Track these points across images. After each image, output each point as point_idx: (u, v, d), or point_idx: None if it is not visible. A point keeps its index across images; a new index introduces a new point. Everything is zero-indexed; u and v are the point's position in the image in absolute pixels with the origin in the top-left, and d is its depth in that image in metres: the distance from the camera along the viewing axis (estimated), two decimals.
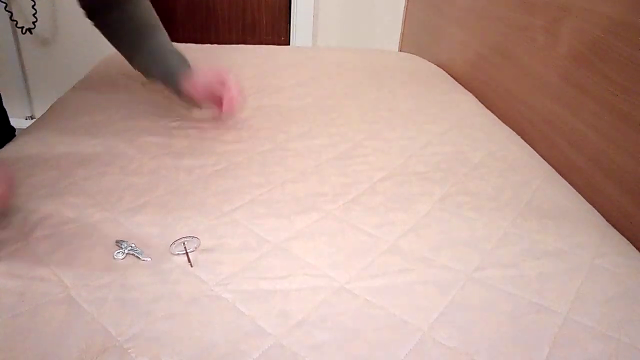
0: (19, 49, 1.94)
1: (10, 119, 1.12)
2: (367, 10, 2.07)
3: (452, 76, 1.43)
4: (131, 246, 0.58)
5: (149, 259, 0.57)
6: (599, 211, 0.75)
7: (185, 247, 0.59)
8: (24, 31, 1.17)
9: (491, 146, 0.92)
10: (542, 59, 0.97)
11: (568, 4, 0.89)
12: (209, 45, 1.52)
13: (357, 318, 0.51)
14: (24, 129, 0.89)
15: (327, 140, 0.91)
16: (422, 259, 0.60)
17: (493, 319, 0.51)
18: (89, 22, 0.94)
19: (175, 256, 0.58)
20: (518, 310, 0.53)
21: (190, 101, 0.93)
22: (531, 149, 0.95)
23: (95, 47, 1.81)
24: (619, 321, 0.52)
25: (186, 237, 0.61)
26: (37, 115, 2.14)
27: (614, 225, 0.72)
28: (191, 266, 0.56)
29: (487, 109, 1.16)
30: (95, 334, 0.46)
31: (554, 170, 0.87)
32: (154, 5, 0.95)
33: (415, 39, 1.89)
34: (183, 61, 0.92)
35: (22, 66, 2.00)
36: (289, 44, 2.13)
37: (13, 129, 1.12)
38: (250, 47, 1.53)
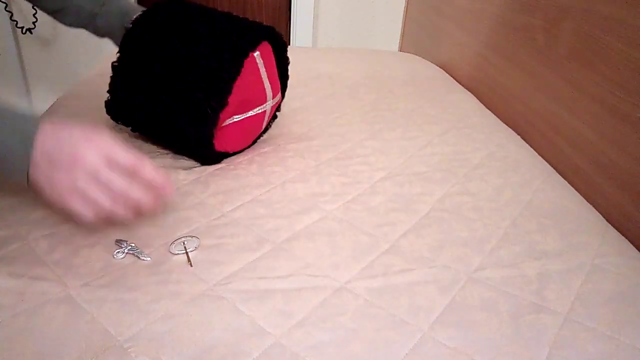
0: (19, 49, 1.94)
1: None
2: (367, 11, 2.07)
3: (452, 76, 1.43)
4: (131, 246, 0.58)
5: (148, 259, 0.57)
6: (599, 211, 0.75)
7: (185, 247, 0.59)
8: (24, 31, 1.18)
9: (491, 146, 0.92)
10: (542, 59, 0.97)
11: (568, 4, 0.89)
12: None
13: (357, 318, 0.51)
14: None
15: (327, 140, 0.91)
16: (422, 259, 0.60)
17: (493, 319, 0.51)
18: None
19: (175, 256, 0.58)
20: (518, 310, 0.53)
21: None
22: (531, 149, 0.95)
23: (95, 48, 1.81)
24: (619, 321, 0.52)
25: (186, 236, 0.61)
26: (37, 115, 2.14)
27: (614, 225, 0.72)
28: (191, 266, 0.56)
29: (487, 109, 1.16)
30: (95, 334, 0.46)
31: (554, 170, 0.87)
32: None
33: (415, 39, 1.89)
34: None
35: (22, 66, 1.99)
36: (289, 44, 2.13)
37: None
38: None
